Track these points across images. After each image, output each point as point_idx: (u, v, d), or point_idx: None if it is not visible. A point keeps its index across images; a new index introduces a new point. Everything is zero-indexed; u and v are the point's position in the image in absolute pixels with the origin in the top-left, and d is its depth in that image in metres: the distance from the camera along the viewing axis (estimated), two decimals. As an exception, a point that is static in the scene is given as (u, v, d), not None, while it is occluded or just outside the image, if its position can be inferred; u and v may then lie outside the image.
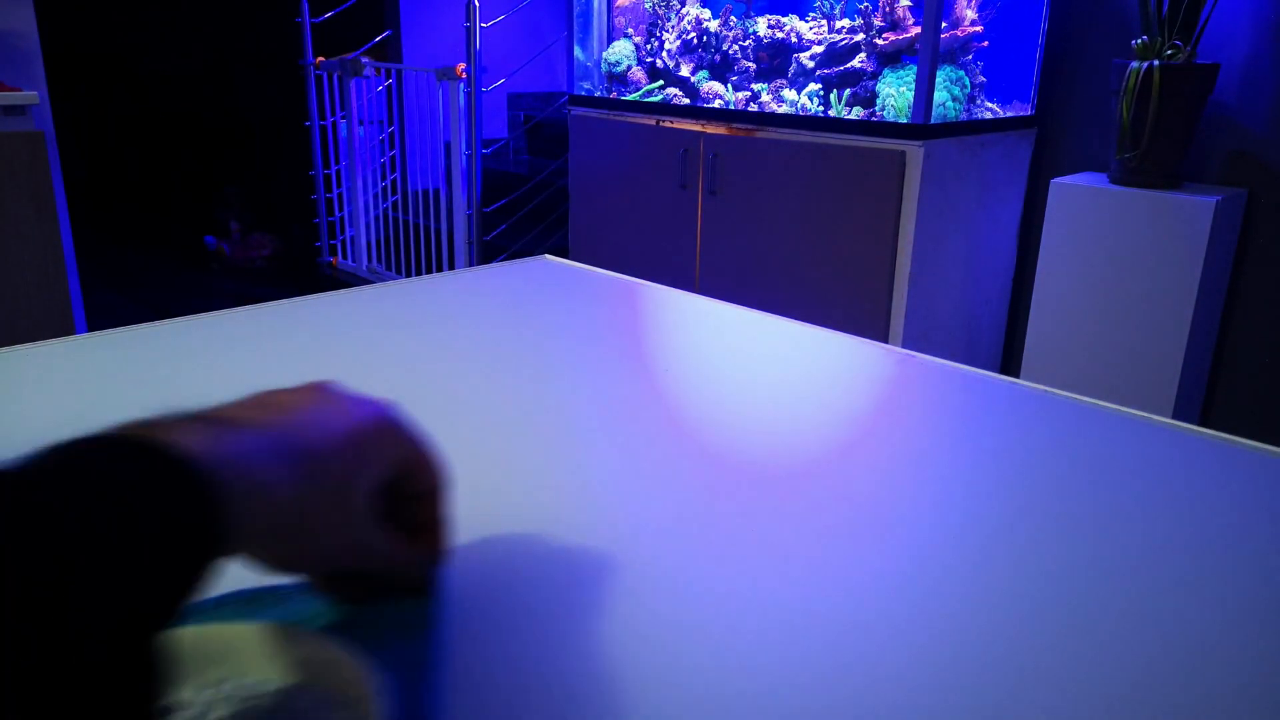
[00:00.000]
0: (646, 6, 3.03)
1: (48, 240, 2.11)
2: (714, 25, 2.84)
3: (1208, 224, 2.03)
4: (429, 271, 3.67)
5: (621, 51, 3.03)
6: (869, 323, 2.34)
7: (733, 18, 2.81)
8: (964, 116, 2.45)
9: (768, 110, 2.61)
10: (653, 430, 0.68)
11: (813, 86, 2.59)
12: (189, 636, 0.35)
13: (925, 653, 0.43)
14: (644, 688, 0.40)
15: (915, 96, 2.25)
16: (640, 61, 3.02)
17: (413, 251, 3.69)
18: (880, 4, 2.47)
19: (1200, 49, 2.10)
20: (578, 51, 3.06)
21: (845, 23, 2.60)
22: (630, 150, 2.82)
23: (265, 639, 0.37)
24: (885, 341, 1.29)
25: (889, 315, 2.32)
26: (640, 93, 2.94)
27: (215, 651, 0.36)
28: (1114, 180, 2.19)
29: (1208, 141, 2.28)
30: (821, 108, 2.56)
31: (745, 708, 0.39)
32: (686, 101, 2.82)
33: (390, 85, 3.80)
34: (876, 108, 2.43)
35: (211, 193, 5.10)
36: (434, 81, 3.33)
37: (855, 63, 2.52)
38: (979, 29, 2.48)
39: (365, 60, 3.62)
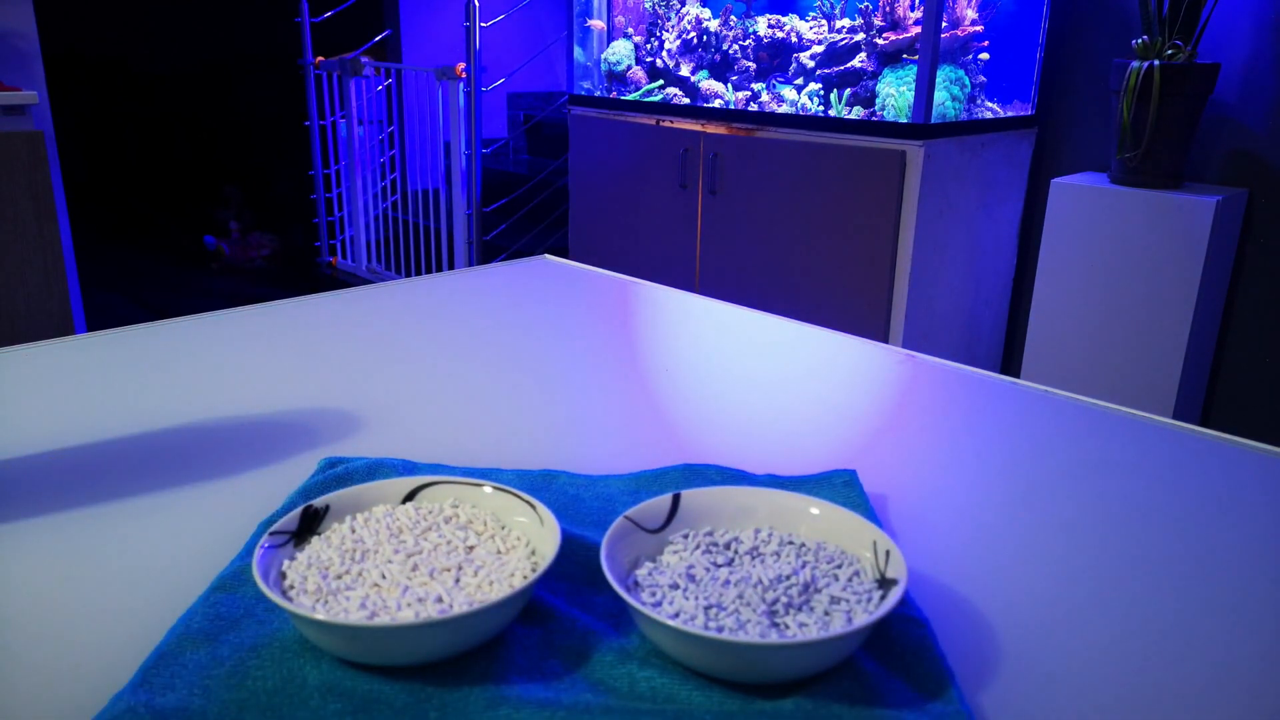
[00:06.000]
0: (646, 6, 3.03)
1: (48, 240, 2.11)
2: (714, 25, 2.84)
3: (1208, 224, 2.03)
4: (429, 271, 3.67)
5: (621, 51, 3.03)
6: (869, 323, 2.34)
7: (733, 17, 2.81)
8: (964, 116, 2.45)
9: (768, 110, 2.61)
10: (653, 430, 0.68)
11: (813, 86, 2.59)
12: None
13: (925, 653, 0.43)
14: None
15: (915, 96, 2.25)
16: (640, 61, 3.02)
17: (413, 251, 3.69)
18: (880, 3, 2.47)
19: (1200, 49, 2.10)
20: (578, 51, 3.06)
21: (845, 22, 2.60)
22: (630, 150, 2.82)
23: None
24: (885, 341, 1.29)
25: (889, 315, 2.32)
26: (640, 92, 2.94)
27: None
28: (1114, 180, 2.19)
29: (1208, 141, 2.28)
30: (821, 107, 2.56)
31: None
32: (686, 101, 2.82)
33: (390, 85, 3.80)
34: (876, 108, 2.43)
35: (211, 193, 5.10)
36: (434, 81, 3.33)
37: (855, 62, 2.52)
38: (979, 29, 2.48)
39: (365, 60, 3.61)
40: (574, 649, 0.41)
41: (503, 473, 0.58)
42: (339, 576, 0.42)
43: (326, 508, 0.47)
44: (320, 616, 0.37)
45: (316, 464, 0.59)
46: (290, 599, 0.40)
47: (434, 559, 0.43)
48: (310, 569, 0.42)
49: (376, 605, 0.39)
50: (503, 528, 0.46)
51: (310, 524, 0.46)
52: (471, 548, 0.44)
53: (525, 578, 0.41)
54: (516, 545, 0.45)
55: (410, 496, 0.49)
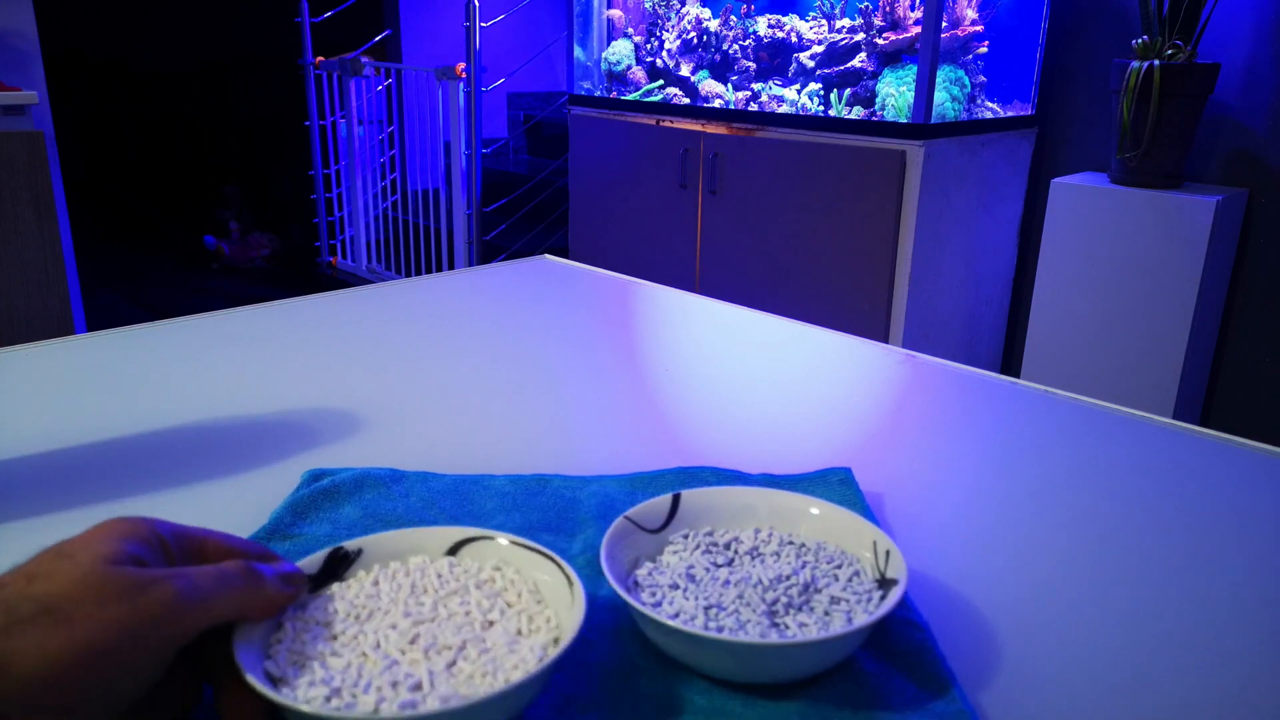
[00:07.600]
0: (647, 6, 3.03)
1: (48, 240, 2.11)
2: (714, 25, 2.84)
3: (1208, 224, 2.03)
4: (429, 271, 3.67)
5: (621, 51, 3.03)
6: (869, 323, 2.34)
7: (733, 17, 2.81)
8: (964, 116, 2.45)
9: (768, 110, 2.61)
10: (652, 430, 0.68)
11: (813, 86, 2.59)
12: None
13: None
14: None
15: (915, 96, 2.25)
16: (640, 61, 3.02)
17: (413, 251, 3.69)
18: (880, 3, 2.47)
19: (1200, 49, 2.10)
20: (578, 51, 3.06)
21: (845, 22, 2.60)
22: (630, 150, 2.82)
23: None
24: (885, 341, 1.29)
25: (889, 315, 2.32)
26: (640, 92, 2.94)
27: None
28: (1114, 180, 2.19)
29: (1208, 141, 2.28)
30: (821, 107, 2.56)
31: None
32: (686, 101, 2.82)
33: (390, 85, 3.80)
34: (876, 107, 2.43)
35: (211, 193, 5.10)
36: (434, 81, 3.33)
37: (855, 62, 2.52)
38: (979, 29, 2.48)
39: (365, 60, 3.61)
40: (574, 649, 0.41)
41: (495, 479, 0.57)
42: (333, 638, 0.39)
43: (359, 551, 0.44)
44: (265, 691, 0.35)
45: (302, 475, 0.57)
46: (266, 654, 0.37)
47: (441, 632, 0.39)
48: (306, 622, 0.39)
49: (346, 681, 0.36)
50: (538, 602, 0.42)
51: (334, 568, 0.43)
52: (491, 623, 0.40)
53: (526, 673, 0.36)
54: (540, 629, 0.40)
55: (455, 550, 0.45)
